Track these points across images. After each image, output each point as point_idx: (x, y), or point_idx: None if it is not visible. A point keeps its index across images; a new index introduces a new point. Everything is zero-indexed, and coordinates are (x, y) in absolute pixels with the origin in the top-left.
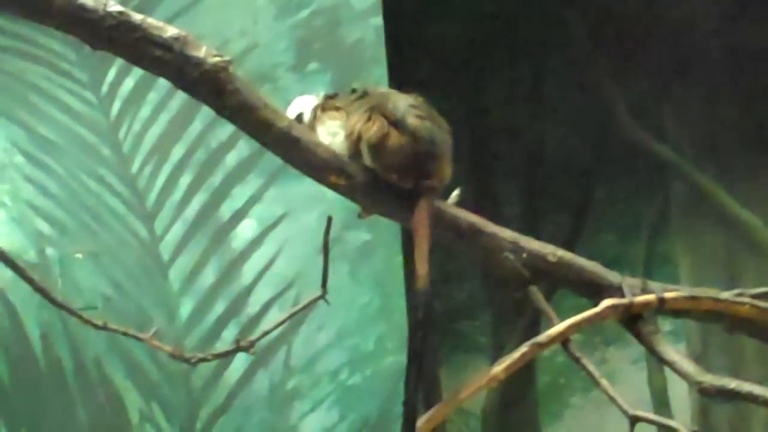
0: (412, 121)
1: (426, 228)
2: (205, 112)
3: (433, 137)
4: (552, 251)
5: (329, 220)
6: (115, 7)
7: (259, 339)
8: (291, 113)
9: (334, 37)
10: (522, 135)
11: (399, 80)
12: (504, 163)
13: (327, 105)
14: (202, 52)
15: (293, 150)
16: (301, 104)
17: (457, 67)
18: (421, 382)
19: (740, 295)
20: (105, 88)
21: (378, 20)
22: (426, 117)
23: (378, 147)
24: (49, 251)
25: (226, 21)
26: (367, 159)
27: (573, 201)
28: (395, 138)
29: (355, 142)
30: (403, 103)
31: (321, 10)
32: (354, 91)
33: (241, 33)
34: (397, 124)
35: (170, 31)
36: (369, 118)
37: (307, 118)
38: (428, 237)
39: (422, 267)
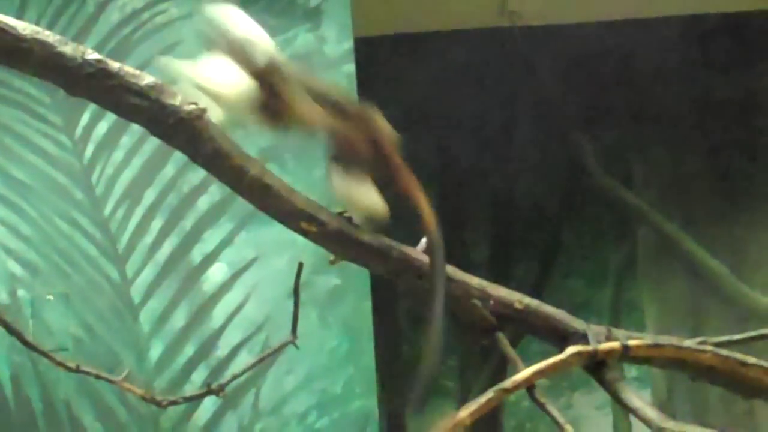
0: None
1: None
2: (178, 156)
3: None
4: (519, 299)
5: (300, 265)
6: (93, 56)
7: (229, 382)
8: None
9: None
10: (490, 181)
11: None
12: (472, 208)
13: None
14: (177, 100)
15: (265, 196)
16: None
17: (427, 113)
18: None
19: (703, 342)
20: (79, 131)
21: (350, 67)
22: None
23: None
24: (21, 293)
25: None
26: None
27: (540, 247)
28: None
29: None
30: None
31: (294, 57)
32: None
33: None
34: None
35: (146, 79)
36: None
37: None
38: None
39: (426, 207)
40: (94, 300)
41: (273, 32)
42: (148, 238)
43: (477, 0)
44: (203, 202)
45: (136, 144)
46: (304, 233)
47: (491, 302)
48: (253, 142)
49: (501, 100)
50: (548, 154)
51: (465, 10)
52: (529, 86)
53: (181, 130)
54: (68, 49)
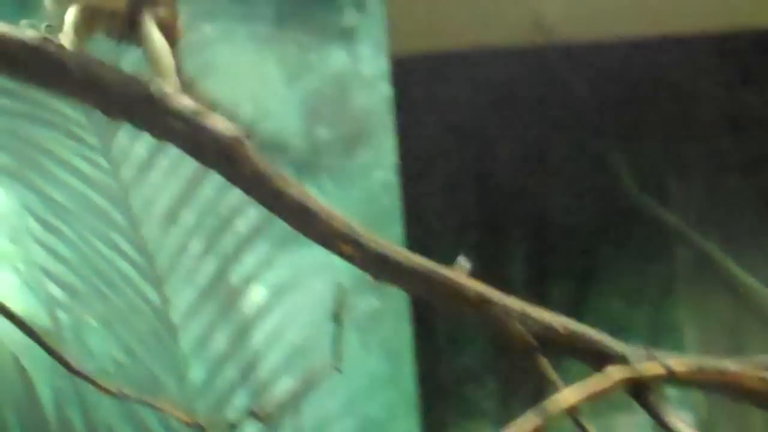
0: None
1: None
2: (215, 178)
3: None
4: (560, 322)
5: (340, 288)
6: (133, 79)
7: (273, 410)
8: None
9: (342, 104)
10: (527, 200)
11: (408, 146)
12: (509, 227)
13: None
14: (217, 122)
15: (304, 219)
16: None
17: (463, 132)
18: None
19: (747, 365)
20: (116, 152)
21: (386, 87)
22: None
23: None
24: (61, 316)
25: (236, 87)
26: None
27: (578, 266)
28: None
29: None
30: None
31: (330, 77)
32: None
33: (251, 99)
34: None
35: (186, 102)
36: None
37: None
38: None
39: None
40: (134, 322)
41: (307, 51)
42: (187, 260)
43: (513, 16)
44: (242, 224)
45: (173, 165)
46: (344, 256)
47: (532, 325)
48: (290, 163)
49: (537, 118)
50: (584, 173)
51: (501, 26)
52: (564, 103)
53: (220, 153)
54: (107, 71)
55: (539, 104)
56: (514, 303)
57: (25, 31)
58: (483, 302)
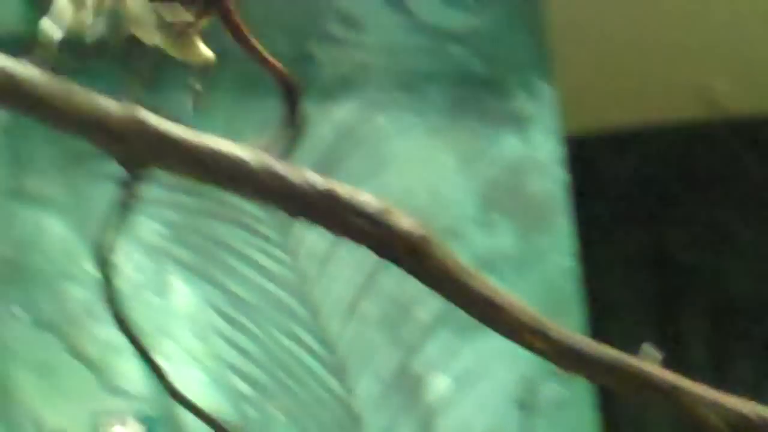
0: None
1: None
2: (395, 268)
3: None
4: (753, 409)
5: (526, 377)
6: (318, 180)
7: None
8: None
9: (518, 190)
10: (706, 276)
11: (583, 228)
12: (689, 305)
13: None
14: (406, 223)
15: (491, 313)
16: None
17: (639, 210)
18: None
19: None
20: (294, 245)
21: (561, 171)
22: None
23: None
24: (248, 410)
25: (411, 177)
26: None
27: (761, 346)
28: None
29: None
30: None
31: (504, 164)
32: None
33: (427, 189)
34: None
35: (375, 203)
36: None
37: None
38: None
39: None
40: (318, 414)
41: (480, 139)
42: (369, 350)
43: (682, 92)
44: (423, 313)
45: (352, 256)
46: (533, 349)
47: (724, 413)
48: (468, 251)
49: (713, 194)
50: (763, 243)
51: (671, 102)
52: (740, 178)
53: (408, 253)
54: (293, 174)
55: (715, 180)
56: (705, 391)
57: (213, 139)
58: (671, 389)
